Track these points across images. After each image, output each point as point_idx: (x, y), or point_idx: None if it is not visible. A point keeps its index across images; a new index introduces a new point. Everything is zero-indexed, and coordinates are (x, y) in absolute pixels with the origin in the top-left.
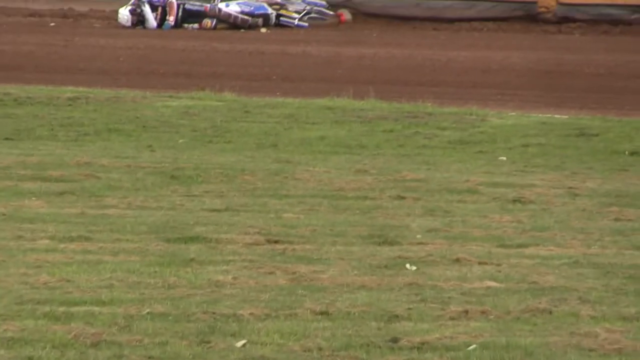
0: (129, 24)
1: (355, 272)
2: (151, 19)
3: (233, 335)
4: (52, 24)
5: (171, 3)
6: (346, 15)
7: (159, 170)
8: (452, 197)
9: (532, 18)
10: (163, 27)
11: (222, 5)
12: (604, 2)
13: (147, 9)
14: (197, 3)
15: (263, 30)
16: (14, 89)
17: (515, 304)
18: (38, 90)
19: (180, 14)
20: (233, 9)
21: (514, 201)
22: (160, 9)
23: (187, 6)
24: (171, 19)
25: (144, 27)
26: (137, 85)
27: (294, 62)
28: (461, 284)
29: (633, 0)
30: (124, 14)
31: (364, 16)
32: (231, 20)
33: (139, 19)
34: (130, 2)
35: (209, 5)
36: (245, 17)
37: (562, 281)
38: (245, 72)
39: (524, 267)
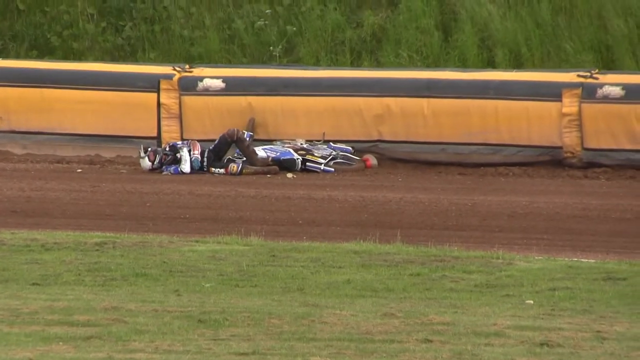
0: (146, 169)
1: None
2: (188, 161)
3: None
4: (79, 170)
5: (194, 143)
6: (372, 160)
7: (186, 314)
8: (479, 340)
9: (558, 163)
10: (193, 162)
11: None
12: (630, 148)
13: (184, 152)
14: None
15: (289, 175)
16: (41, 235)
17: None
18: (65, 235)
19: (206, 155)
20: (260, 153)
21: (542, 344)
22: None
23: (210, 146)
24: (196, 153)
25: (162, 172)
26: (164, 230)
27: (320, 207)
28: None
29: None
30: (143, 160)
31: (390, 161)
32: (248, 147)
33: (160, 164)
34: (149, 149)
35: (228, 130)
36: (269, 161)
37: None
38: (272, 217)
39: None
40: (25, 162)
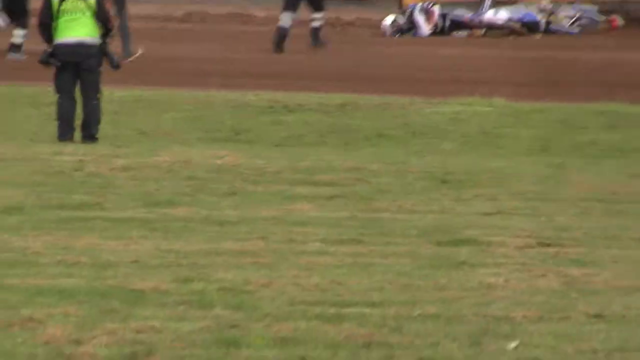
0: (387, 34)
1: (631, 275)
2: (423, 26)
3: (505, 337)
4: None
5: (432, 11)
6: (618, 20)
7: (429, 174)
8: None
9: None
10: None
11: (489, 14)
12: None
13: (419, 16)
14: (460, 13)
15: (536, 36)
16: (283, 97)
17: None
18: (307, 97)
19: (446, 23)
20: (502, 15)
21: None
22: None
23: (452, 17)
24: (428, 27)
25: (402, 35)
26: (405, 91)
27: (564, 68)
28: None
29: None
30: (385, 24)
31: (637, 21)
32: (497, 27)
33: (399, 29)
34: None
35: (469, 15)
36: (513, 23)
37: None
38: (515, 78)
39: None
40: (267, 25)
